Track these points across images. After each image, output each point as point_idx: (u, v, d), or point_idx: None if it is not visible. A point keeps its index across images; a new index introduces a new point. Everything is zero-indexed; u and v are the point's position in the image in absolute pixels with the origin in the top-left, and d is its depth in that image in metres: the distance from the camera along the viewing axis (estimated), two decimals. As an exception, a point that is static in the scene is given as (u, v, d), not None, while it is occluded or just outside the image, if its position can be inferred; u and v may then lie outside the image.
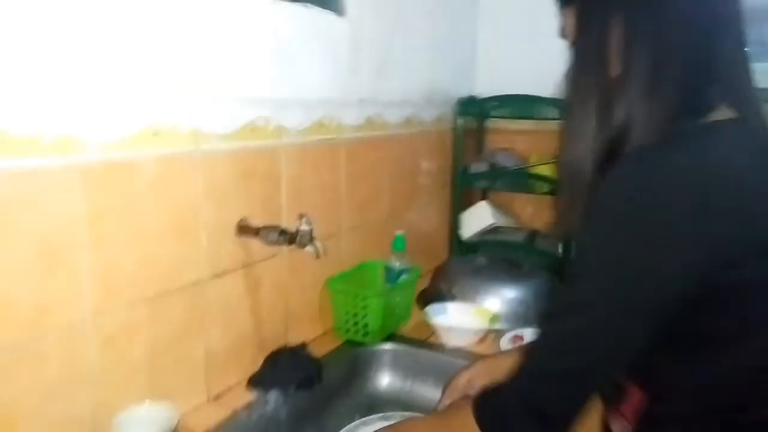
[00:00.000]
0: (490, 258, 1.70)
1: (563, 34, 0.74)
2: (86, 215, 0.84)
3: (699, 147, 0.61)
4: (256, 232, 1.08)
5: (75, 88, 0.80)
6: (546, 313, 0.71)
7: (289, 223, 1.14)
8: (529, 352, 0.67)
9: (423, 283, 1.65)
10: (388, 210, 1.64)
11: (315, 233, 1.05)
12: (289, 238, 1.05)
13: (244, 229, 1.09)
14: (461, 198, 2.04)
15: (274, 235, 1.06)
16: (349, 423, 1.12)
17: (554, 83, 0.72)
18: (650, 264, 0.59)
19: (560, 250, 1.89)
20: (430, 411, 1.07)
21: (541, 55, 2.04)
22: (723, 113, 0.65)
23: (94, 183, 0.84)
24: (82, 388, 0.87)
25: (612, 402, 0.76)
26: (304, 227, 1.04)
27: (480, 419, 0.67)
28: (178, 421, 0.90)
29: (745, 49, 0.68)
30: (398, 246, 1.47)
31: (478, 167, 2.02)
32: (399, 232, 1.47)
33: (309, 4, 1.27)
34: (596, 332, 0.61)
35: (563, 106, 0.70)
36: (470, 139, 2.11)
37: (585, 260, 0.63)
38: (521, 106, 1.98)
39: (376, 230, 1.59)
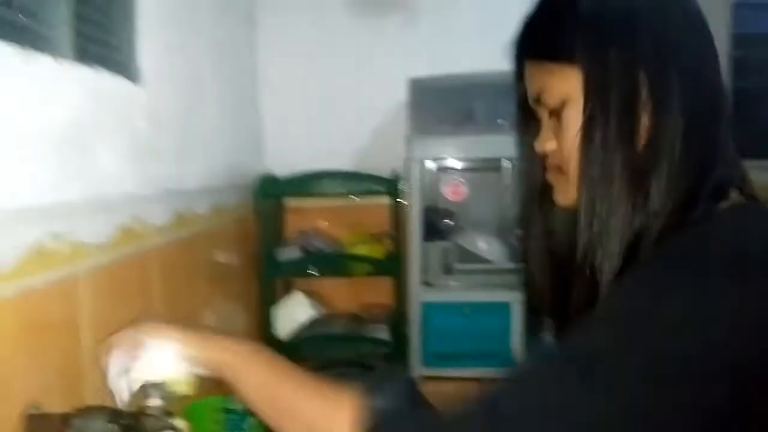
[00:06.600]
0: (336, 371, 1.44)
1: (536, 100, 0.59)
2: None
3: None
4: (61, 425, 0.66)
5: None
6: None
7: (95, 393, 0.74)
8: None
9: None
10: (213, 327, 1.28)
11: (173, 408, 0.68)
12: (128, 426, 0.66)
13: (37, 429, 0.65)
14: (270, 289, 1.76)
15: (100, 426, 0.66)
16: None
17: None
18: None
19: (389, 334, 1.75)
20: None
21: (329, 128, 1.96)
22: (735, 197, 0.57)
23: None
24: None
25: None
26: (153, 400, 0.67)
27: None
28: None
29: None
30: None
31: (289, 253, 1.77)
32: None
33: (98, 67, 0.90)
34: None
35: (585, 194, 0.53)
36: (272, 222, 1.86)
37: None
38: (323, 182, 1.83)
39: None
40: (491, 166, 1.69)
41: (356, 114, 1.90)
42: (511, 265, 1.63)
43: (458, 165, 1.70)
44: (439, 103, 1.72)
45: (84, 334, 0.78)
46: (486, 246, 1.69)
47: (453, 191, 1.70)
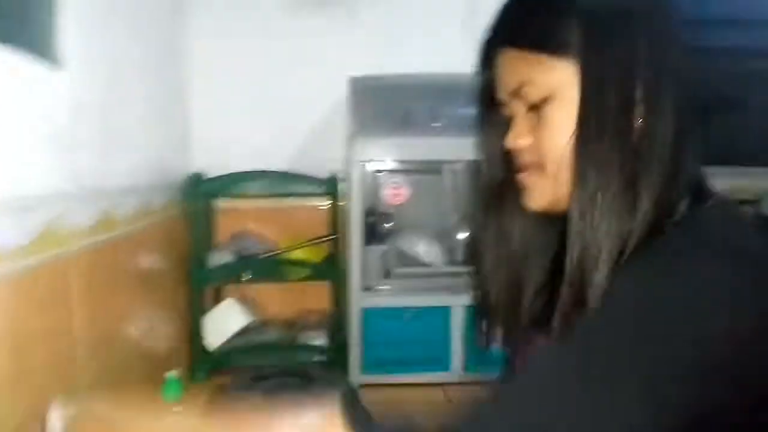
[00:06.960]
0: (269, 382, 1.34)
1: (514, 92, 0.56)
2: None
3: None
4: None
5: None
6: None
7: (16, 426, 0.64)
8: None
9: None
10: (137, 340, 1.17)
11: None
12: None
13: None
14: (199, 296, 1.65)
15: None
16: None
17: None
18: None
19: (327, 341, 1.69)
20: None
21: (263, 127, 1.87)
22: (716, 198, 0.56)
23: None
24: None
25: None
26: None
27: None
28: None
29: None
30: (171, 390, 1.03)
31: (221, 257, 1.67)
32: (171, 373, 1.04)
33: (15, 47, 0.79)
34: None
35: (580, 197, 0.51)
36: (202, 225, 1.75)
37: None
38: (256, 183, 1.75)
39: (132, 369, 1.11)
40: (432, 168, 1.67)
41: (293, 112, 1.83)
42: (451, 269, 1.63)
43: (399, 167, 1.67)
44: (381, 104, 1.67)
45: (-4, 351, 0.68)
46: (426, 249, 1.67)
47: (393, 194, 1.66)
